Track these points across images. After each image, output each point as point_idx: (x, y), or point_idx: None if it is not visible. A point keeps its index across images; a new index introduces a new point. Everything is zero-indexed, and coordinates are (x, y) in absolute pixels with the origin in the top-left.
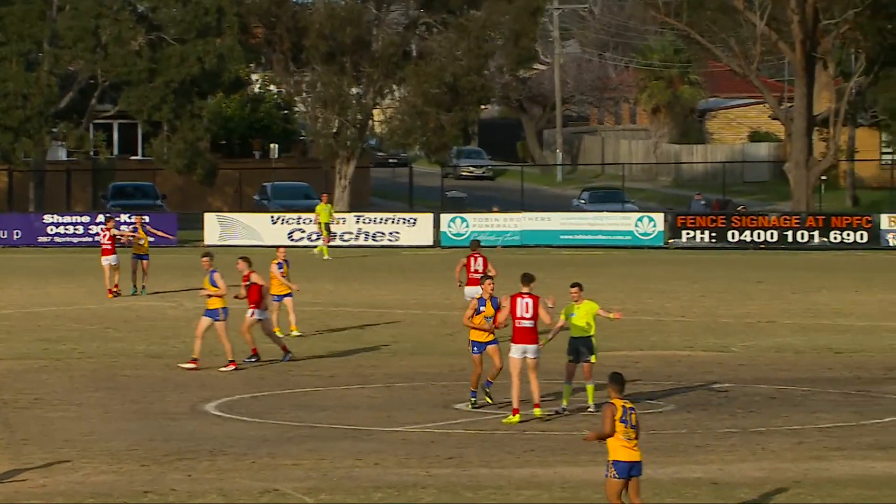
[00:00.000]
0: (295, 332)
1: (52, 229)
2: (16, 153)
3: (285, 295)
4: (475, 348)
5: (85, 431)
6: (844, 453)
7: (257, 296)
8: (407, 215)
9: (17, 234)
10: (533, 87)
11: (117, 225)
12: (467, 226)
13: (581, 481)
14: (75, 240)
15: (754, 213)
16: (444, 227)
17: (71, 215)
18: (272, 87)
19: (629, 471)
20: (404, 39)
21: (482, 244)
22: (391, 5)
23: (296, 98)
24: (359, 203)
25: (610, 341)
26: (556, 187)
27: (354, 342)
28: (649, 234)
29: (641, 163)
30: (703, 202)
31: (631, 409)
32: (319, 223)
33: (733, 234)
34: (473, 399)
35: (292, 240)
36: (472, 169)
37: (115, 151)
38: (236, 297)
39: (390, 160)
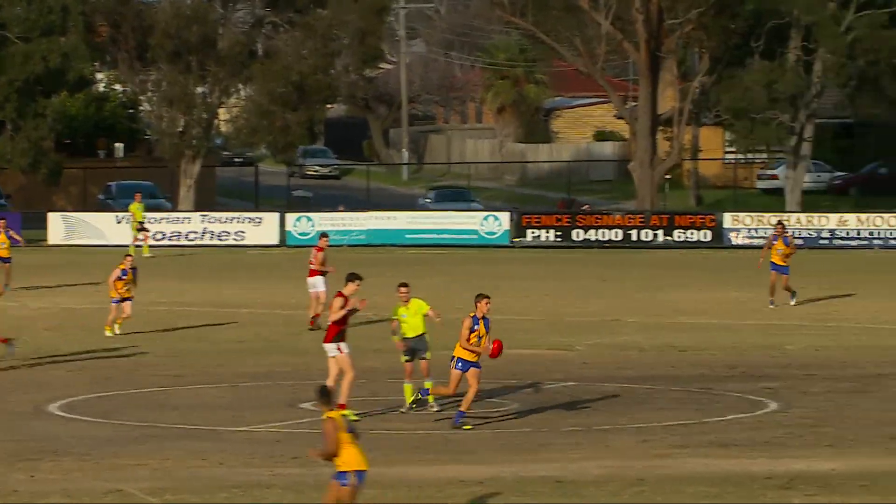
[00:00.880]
0: (108, 332)
1: None
2: None
3: (126, 298)
4: (459, 364)
5: None
6: (687, 451)
7: None
8: (252, 214)
9: None
10: (379, 87)
11: None
12: (313, 225)
13: (424, 480)
14: None
15: (599, 212)
16: (289, 227)
17: None
18: (117, 86)
19: (359, 477)
20: (250, 38)
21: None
22: (237, 4)
23: (141, 97)
24: (204, 202)
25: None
26: (402, 186)
27: (200, 341)
28: (495, 233)
29: (487, 162)
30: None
31: (348, 417)
32: (133, 222)
33: (578, 232)
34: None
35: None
36: (318, 168)
37: None
38: None
39: (236, 159)
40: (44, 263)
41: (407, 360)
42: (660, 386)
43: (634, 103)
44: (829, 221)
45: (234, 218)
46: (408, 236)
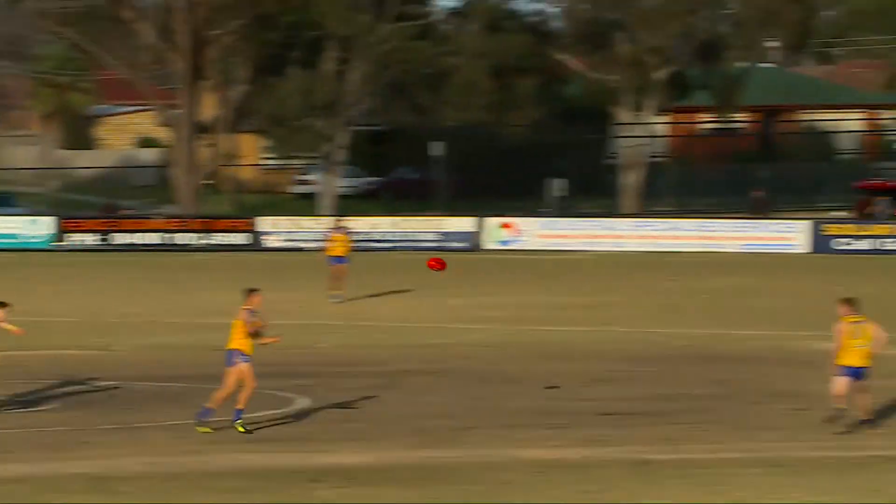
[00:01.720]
0: None
1: None
2: None
3: None
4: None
5: None
6: (221, 446)
7: None
8: None
9: None
10: None
11: None
12: None
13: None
14: None
15: (140, 215)
16: None
17: None
18: None
19: None
20: None
21: None
22: None
23: None
24: None
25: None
26: None
27: None
28: (37, 238)
29: (31, 168)
30: None
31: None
32: None
33: (120, 236)
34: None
35: None
36: None
37: None
38: None
39: None
40: None
41: None
42: (195, 384)
43: (177, 111)
44: (363, 225)
45: None
46: None
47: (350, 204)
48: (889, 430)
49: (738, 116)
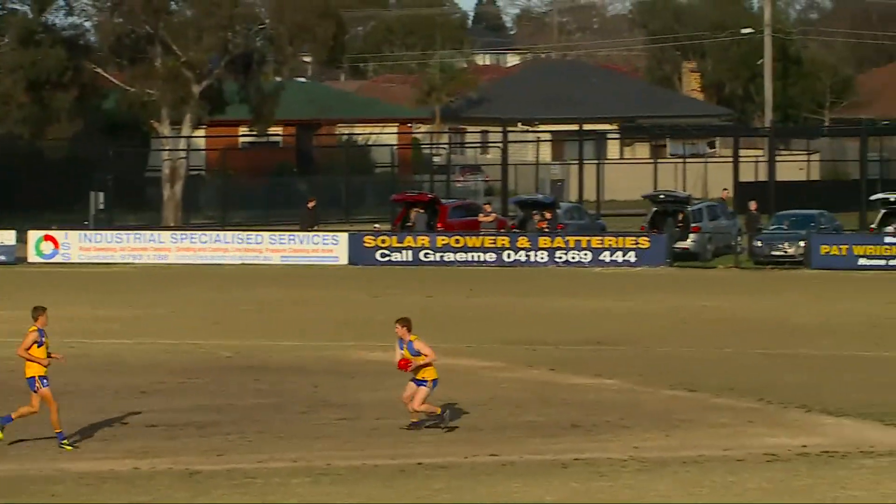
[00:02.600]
0: None
1: None
2: None
3: None
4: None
5: None
6: None
7: None
8: None
9: None
10: None
11: None
12: None
13: None
14: None
15: None
16: None
17: None
18: None
19: None
20: None
21: None
22: None
23: None
24: None
25: None
26: None
27: None
28: None
29: None
30: None
31: None
32: None
33: None
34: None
35: None
36: None
37: None
38: None
39: None
40: None
41: None
42: None
43: None
44: None
45: None
46: None
47: None
48: (435, 438)
49: (275, 130)
